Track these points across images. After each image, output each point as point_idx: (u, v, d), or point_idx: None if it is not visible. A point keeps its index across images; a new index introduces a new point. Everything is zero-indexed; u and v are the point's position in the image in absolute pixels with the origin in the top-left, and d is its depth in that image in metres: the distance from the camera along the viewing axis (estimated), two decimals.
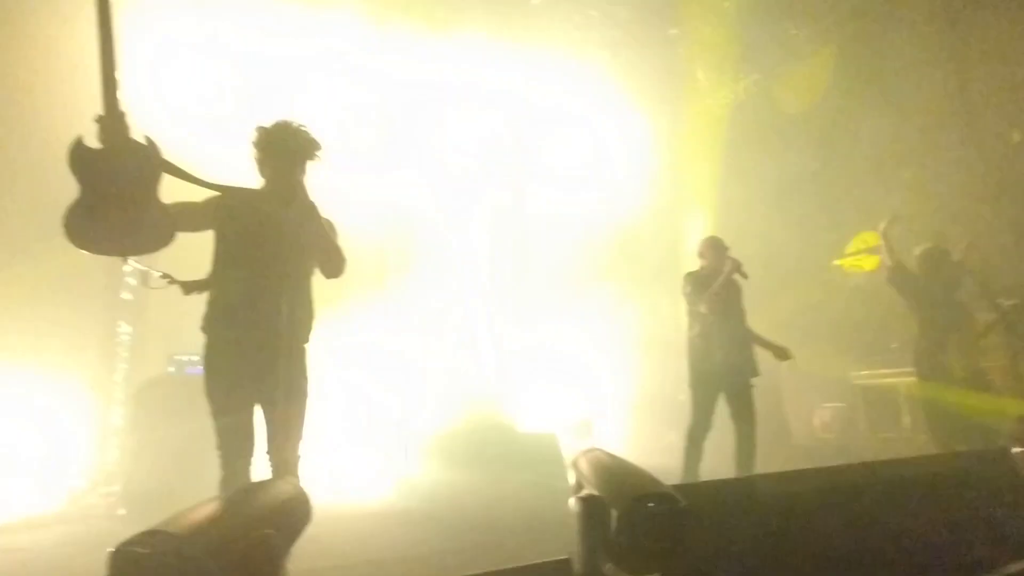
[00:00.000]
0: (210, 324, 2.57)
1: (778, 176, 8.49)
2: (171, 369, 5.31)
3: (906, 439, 5.99)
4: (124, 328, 6.29)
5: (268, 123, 2.60)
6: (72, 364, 6.30)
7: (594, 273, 9.73)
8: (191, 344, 5.40)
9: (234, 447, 2.50)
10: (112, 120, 2.10)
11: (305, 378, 2.62)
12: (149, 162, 2.19)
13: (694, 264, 4.62)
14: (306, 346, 2.67)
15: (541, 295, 10.18)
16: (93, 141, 2.13)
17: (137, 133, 2.18)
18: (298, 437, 2.54)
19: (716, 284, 4.27)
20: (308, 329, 2.67)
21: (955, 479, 2.65)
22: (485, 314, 8.76)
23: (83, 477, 5.60)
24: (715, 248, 4.45)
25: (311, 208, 2.52)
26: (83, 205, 2.12)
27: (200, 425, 5.14)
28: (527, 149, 9.65)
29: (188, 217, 2.49)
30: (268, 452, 2.52)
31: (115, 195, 2.11)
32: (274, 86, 7.55)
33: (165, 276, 2.62)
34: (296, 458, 2.53)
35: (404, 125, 8.70)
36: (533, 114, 9.68)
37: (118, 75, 2.09)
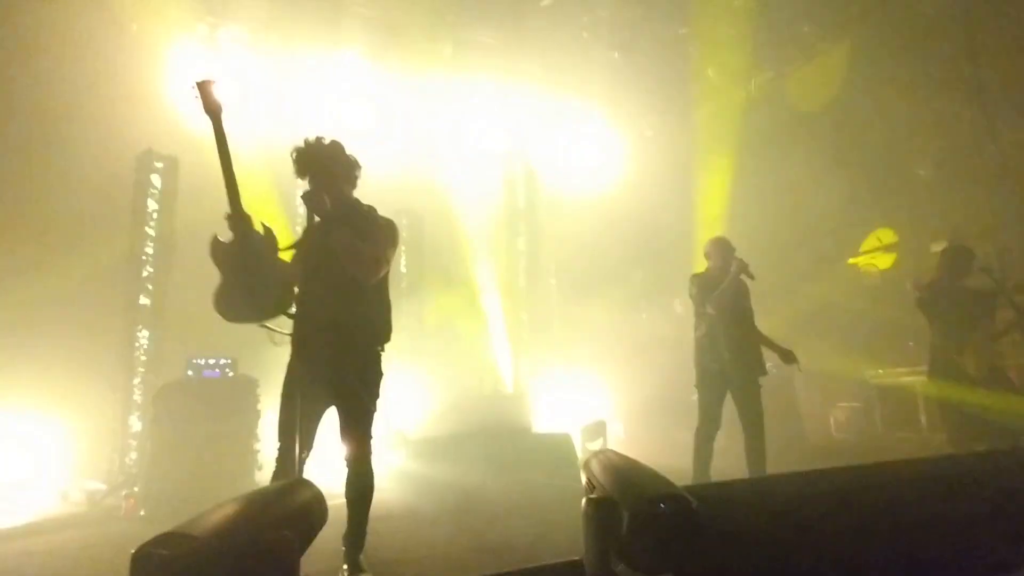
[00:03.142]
0: (292, 335, 2.77)
1: (792, 174, 8.43)
2: (189, 373, 5.39)
3: (923, 439, 5.92)
4: (143, 333, 6.39)
5: (296, 147, 2.82)
6: (93, 368, 6.42)
7: (606, 274, 9.72)
8: (209, 349, 5.54)
9: (288, 442, 2.62)
10: (237, 217, 2.58)
11: (367, 379, 2.74)
12: (269, 245, 2.69)
13: (705, 265, 4.60)
14: (378, 348, 2.81)
15: (555, 297, 10.19)
16: (224, 235, 2.63)
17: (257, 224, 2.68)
18: (359, 436, 2.69)
19: (722, 286, 4.25)
20: (375, 331, 2.80)
21: (973, 479, 2.63)
22: (501, 315, 8.78)
23: (104, 480, 5.69)
24: (721, 249, 4.44)
25: (336, 217, 2.68)
26: (226, 287, 2.63)
27: (218, 428, 5.23)
28: (539, 151, 9.66)
29: (293, 267, 2.82)
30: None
31: (248, 274, 2.60)
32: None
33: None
34: (363, 452, 2.68)
35: (416, 126, 8.76)
36: (545, 117, 9.68)
37: (237, 183, 2.59)
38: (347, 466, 2.70)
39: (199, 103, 2.63)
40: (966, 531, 2.38)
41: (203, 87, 2.64)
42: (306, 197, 2.69)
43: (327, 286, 2.67)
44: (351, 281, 2.68)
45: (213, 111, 2.63)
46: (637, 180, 10.06)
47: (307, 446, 2.65)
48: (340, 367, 2.65)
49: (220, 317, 2.65)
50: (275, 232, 2.72)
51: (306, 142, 2.80)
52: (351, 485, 2.71)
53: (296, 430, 2.59)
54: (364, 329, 2.76)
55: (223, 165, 2.58)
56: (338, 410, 2.71)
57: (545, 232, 9.44)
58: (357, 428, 2.69)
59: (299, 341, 2.68)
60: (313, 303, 2.65)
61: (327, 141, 2.83)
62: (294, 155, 2.80)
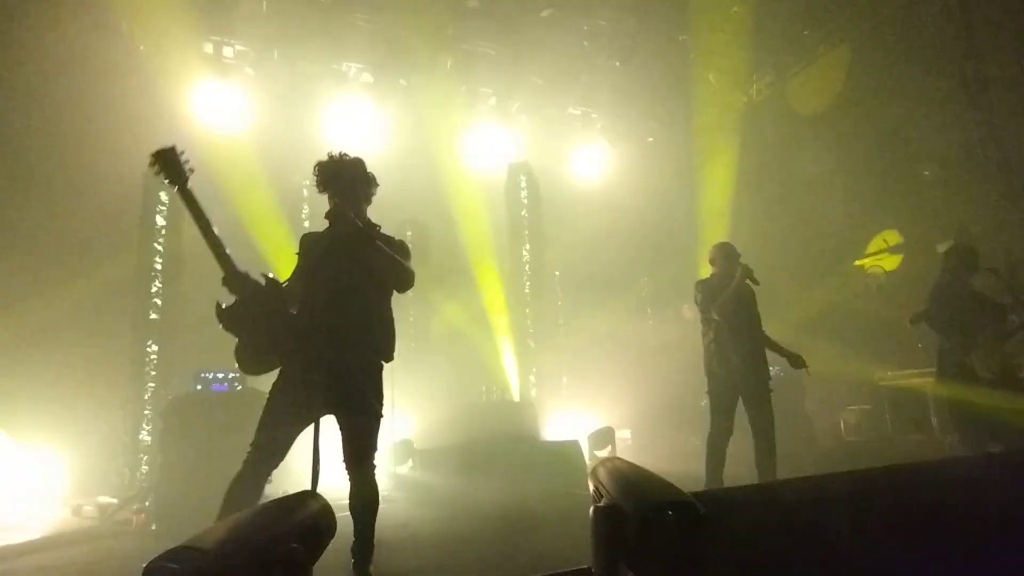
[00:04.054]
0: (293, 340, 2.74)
1: (795, 178, 8.43)
2: (198, 387, 5.42)
3: (934, 441, 5.86)
4: (153, 347, 6.43)
5: (320, 160, 2.83)
6: (103, 383, 6.47)
7: (611, 281, 9.72)
8: (217, 362, 5.57)
9: (258, 451, 2.63)
10: (232, 279, 2.55)
11: (371, 391, 2.70)
12: (273, 293, 2.67)
13: (710, 271, 4.60)
14: (381, 362, 2.78)
15: (560, 304, 10.20)
16: (227, 299, 2.60)
17: (257, 276, 2.66)
18: (363, 448, 2.66)
19: (727, 291, 4.26)
20: (379, 344, 2.77)
21: (985, 482, 2.61)
22: (506, 323, 8.79)
23: (115, 494, 5.72)
24: (726, 254, 4.44)
25: (361, 230, 2.69)
26: (244, 348, 2.62)
27: (226, 441, 5.24)
28: (542, 159, 9.69)
29: (294, 287, 2.79)
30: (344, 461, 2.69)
31: (260, 330, 2.60)
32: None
33: None
34: (366, 465, 2.66)
35: (420, 137, 8.81)
36: (547, 126, 9.72)
37: (223, 245, 2.53)
38: (350, 478, 2.67)
39: (162, 176, 2.49)
40: (979, 534, 2.36)
41: (162, 156, 2.49)
42: (330, 215, 2.68)
43: (336, 297, 2.66)
44: (359, 293, 2.69)
45: (179, 182, 2.49)
46: (640, 187, 10.07)
47: (281, 453, 2.63)
48: (343, 377, 2.62)
49: (243, 371, 2.66)
50: (276, 277, 2.71)
51: (330, 156, 2.81)
52: (355, 497, 2.69)
53: (273, 434, 2.58)
54: (369, 341, 2.74)
55: (203, 232, 2.49)
56: (340, 421, 2.67)
57: (549, 240, 9.46)
58: (360, 440, 2.67)
59: (301, 346, 2.64)
60: (318, 312, 2.64)
61: (350, 157, 2.84)
62: (316, 169, 2.80)
